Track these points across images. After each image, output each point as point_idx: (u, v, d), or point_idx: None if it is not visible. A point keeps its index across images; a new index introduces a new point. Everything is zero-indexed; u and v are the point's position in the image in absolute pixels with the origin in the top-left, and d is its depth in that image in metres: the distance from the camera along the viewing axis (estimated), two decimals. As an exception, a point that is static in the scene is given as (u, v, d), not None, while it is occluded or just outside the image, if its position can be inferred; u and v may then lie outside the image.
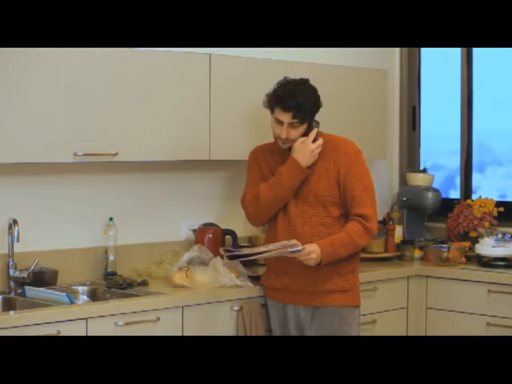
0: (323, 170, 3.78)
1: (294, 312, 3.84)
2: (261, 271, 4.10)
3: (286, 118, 3.73)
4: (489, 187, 5.26)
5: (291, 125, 3.74)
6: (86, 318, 3.43)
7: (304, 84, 3.78)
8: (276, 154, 3.90)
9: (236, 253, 3.68)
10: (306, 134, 3.78)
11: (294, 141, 3.77)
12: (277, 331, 3.90)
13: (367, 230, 3.73)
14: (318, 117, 3.80)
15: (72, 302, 3.59)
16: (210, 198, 4.56)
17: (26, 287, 3.74)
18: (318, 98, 3.79)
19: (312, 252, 3.64)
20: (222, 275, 3.88)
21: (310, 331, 3.81)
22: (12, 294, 3.81)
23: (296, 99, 3.71)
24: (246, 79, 4.26)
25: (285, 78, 3.82)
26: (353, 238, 3.71)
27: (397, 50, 5.33)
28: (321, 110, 3.81)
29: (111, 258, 4.10)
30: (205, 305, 3.78)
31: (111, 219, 4.12)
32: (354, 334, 3.82)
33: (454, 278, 4.49)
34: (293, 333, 3.85)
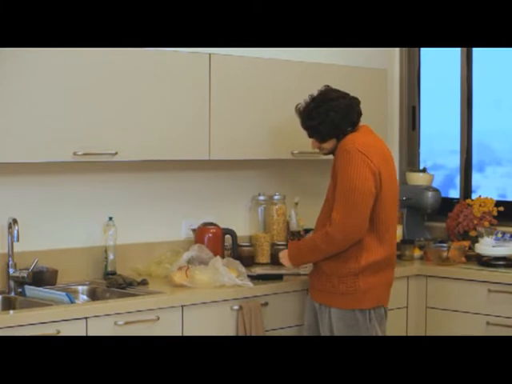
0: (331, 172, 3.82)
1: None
2: (260, 271, 4.12)
3: (307, 134, 3.84)
4: (488, 187, 5.25)
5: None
6: (86, 318, 3.43)
7: (327, 104, 3.73)
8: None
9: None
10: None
11: (329, 150, 3.82)
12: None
13: (326, 235, 3.65)
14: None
15: (72, 302, 3.59)
16: (210, 197, 4.56)
17: (26, 287, 3.74)
18: (341, 117, 3.73)
19: (282, 257, 3.87)
20: (221, 275, 3.88)
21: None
22: (12, 294, 3.81)
23: (312, 120, 3.75)
24: (246, 79, 4.25)
25: (326, 86, 3.82)
26: (316, 242, 3.71)
27: (397, 50, 5.32)
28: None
29: (111, 257, 4.10)
30: (205, 304, 3.78)
31: (111, 219, 4.12)
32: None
33: (454, 277, 4.48)
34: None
